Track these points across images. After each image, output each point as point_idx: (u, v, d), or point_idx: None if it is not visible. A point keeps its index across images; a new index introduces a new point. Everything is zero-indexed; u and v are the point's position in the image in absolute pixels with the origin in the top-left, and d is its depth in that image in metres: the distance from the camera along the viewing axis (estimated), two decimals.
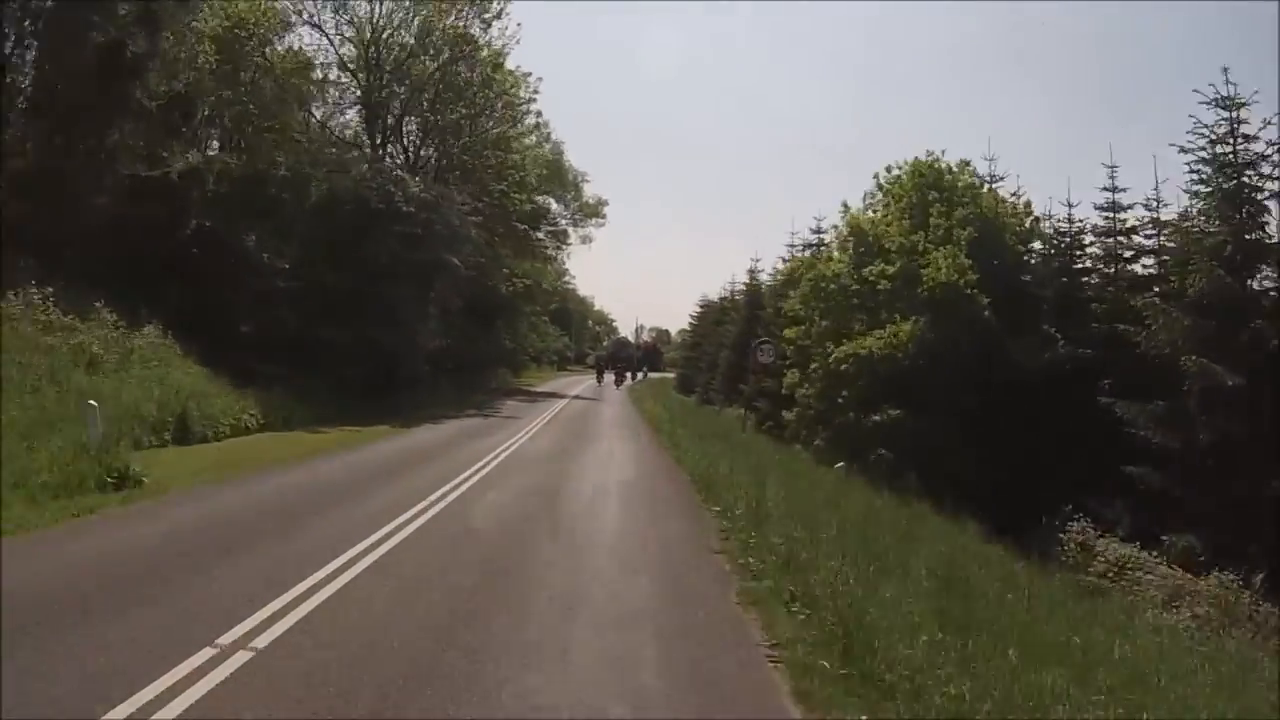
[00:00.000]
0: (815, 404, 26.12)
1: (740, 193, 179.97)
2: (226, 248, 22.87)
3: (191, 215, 21.95)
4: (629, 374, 74.36)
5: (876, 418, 21.19)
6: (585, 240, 49.14)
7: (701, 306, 61.62)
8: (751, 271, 45.17)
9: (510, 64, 37.31)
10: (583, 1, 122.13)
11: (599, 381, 61.16)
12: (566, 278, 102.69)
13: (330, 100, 35.56)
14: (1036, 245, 24.89)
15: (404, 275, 28.37)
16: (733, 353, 39.62)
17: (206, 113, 27.40)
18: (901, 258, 23.50)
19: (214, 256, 22.19)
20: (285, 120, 31.55)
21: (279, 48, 32.50)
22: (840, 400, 23.58)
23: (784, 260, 40.18)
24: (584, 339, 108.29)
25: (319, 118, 35.79)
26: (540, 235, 45.56)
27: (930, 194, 24.42)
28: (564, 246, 48.61)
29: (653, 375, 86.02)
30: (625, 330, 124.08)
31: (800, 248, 39.11)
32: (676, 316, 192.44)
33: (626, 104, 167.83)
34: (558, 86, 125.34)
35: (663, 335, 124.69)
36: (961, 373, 20.09)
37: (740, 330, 39.67)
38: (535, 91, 38.44)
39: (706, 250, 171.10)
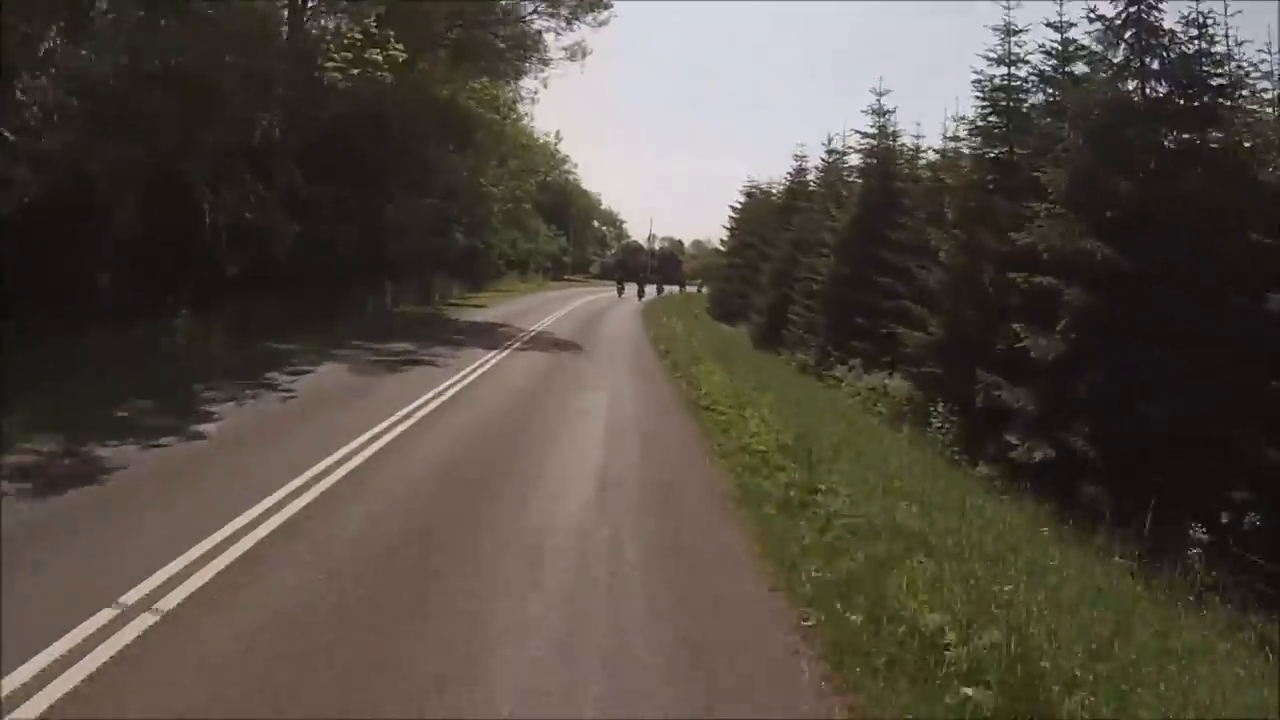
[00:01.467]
0: None
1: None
2: None
3: None
4: (652, 287, 55.94)
5: None
6: (575, 54, 29.48)
7: (747, 194, 43.42)
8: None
9: None
10: None
11: (619, 294, 48.37)
12: (566, 166, 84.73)
13: None
14: None
15: None
16: (842, 258, 21.90)
17: None
18: None
19: None
20: None
21: None
22: None
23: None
24: (586, 241, 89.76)
25: None
26: (500, 39, 26.38)
27: None
28: (542, 64, 29.08)
29: (672, 289, 67.76)
30: (636, 235, 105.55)
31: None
32: (689, 228, 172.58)
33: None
34: None
35: (676, 245, 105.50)
36: None
37: (859, 215, 21.84)
38: None
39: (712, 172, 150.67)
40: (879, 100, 22.60)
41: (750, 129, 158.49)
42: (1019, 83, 15.94)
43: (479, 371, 14.25)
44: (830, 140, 32.76)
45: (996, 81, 16.01)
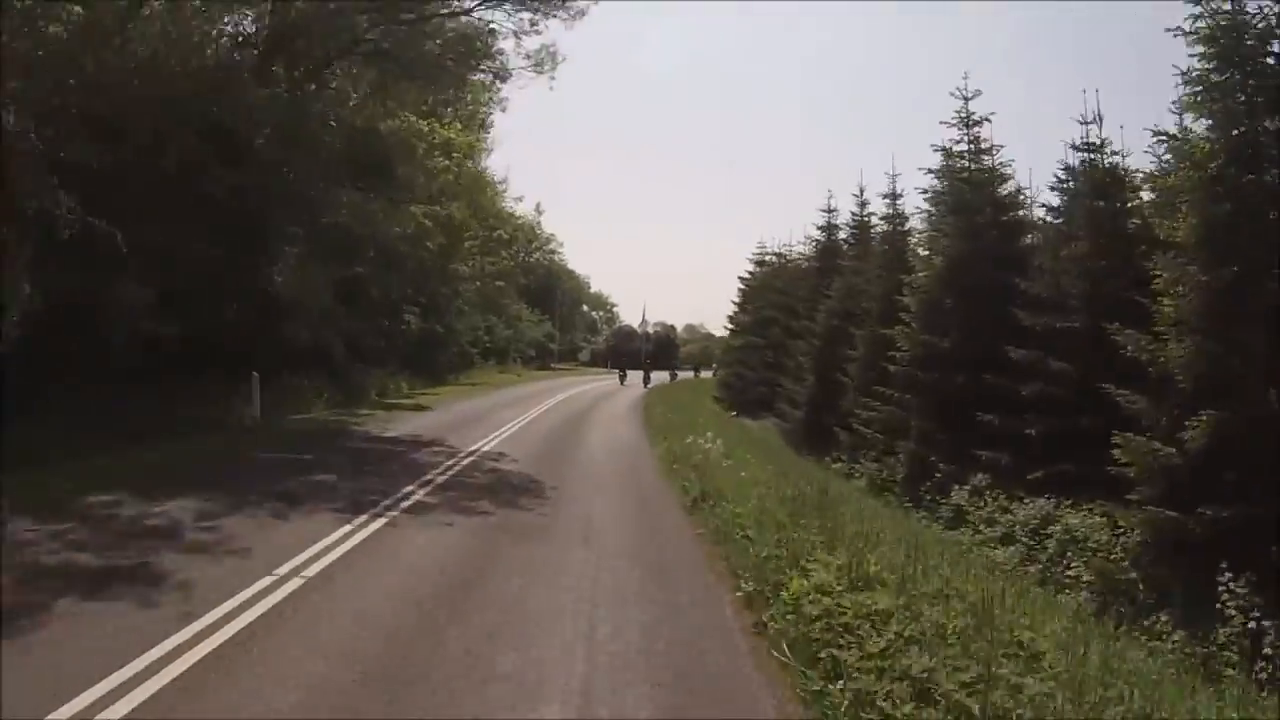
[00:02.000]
0: None
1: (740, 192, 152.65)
2: None
3: None
4: (662, 373, 54.61)
5: None
6: (542, 62, 22.05)
7: (758, 263, 36.84)
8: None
9: None
10: None
11: (621, 382, 44.15)
12: (551, 245, 79.01)
13: None
14: None
15: None
16: (934, 325, 14.89)
17: None
18: None
19: None
20: None
21: None
22: None
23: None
24: (574, 327, 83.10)
25: None
26: (439, 48, 19.33)
27: None
28: (496, 77, 22.02)
29: (685, 374, 60.88)
30: (628, 320, 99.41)
31: None
32: (680, 311, 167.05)
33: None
34: None
35: (668, 330, 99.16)
36: None
37: (957, 259, 14.97)
38: None
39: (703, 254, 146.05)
40: (966, 105, 15.97)
41: (741, 206, 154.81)
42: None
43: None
44: (862, 191, 26.31)
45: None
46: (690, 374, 61.99)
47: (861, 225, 26.19)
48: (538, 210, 69.04)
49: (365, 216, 21.36)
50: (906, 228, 21.53)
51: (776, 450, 19.12)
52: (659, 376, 56.29)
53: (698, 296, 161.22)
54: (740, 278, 38.71)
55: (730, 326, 43.08)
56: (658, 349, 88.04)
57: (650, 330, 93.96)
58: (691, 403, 29.02)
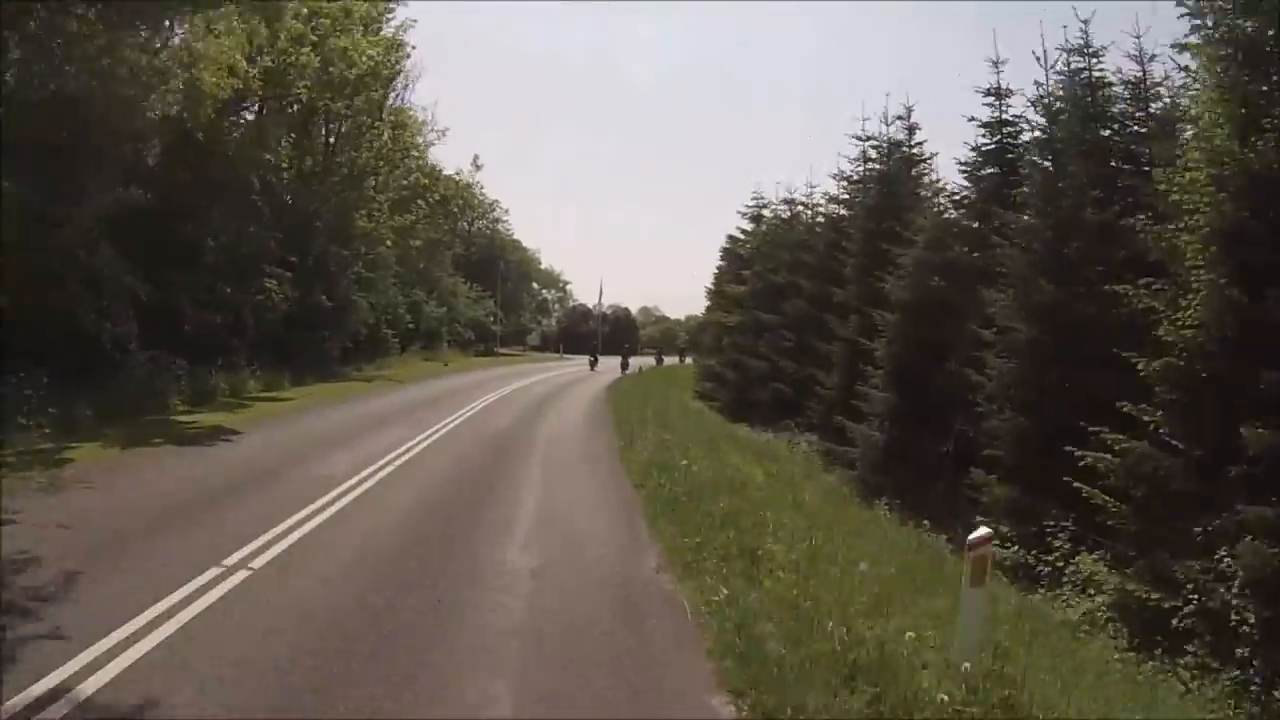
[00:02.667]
0: None
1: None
2: None
3: None
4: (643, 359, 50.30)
5: None
6: None
7: (753, 218, 28.12)
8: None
9: None
10: None
11: (592, 368, 41.02)
12: (495, 213, 68.81)
13: None
14: None
15: None
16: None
17: None
18: None
19: None
20: None
21: None
22: None
23: None
24: (521, 306, 73.18)
25: None
26: None
27: None
28: None
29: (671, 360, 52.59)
30: (583, 299, 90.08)
31: None
32: (633, 295, 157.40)
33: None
34: None
35: (622, 311, 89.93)
36: None
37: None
38: None
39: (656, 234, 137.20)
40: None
41: (699, 186, 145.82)
42: None
43: None
44: (909, 112, 17.85)
45: None
46: (651, 361, 53.22)
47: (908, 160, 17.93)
48: (475, 166, 58.77)
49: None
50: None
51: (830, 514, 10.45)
52: (655, 361, 48.26)
53: (651, 280, 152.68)
54: (731, 238, 30.04)
55: (716, 301, 34.41)
56: (615, 331, 79.15)
57: (606, 311, 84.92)
58: (678, 412, 20.28)
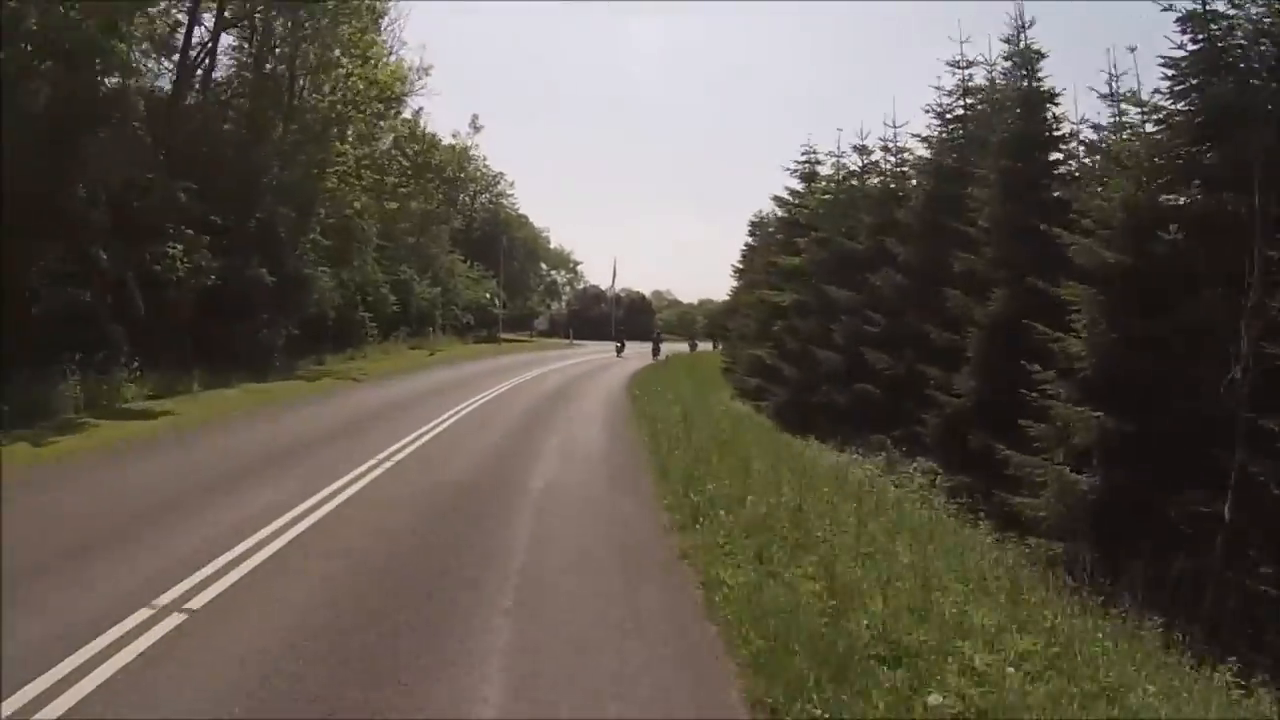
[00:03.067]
0: None
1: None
2: None
3: None
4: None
5: None
6: None
7: (806, 178, 22.52)
8: None
9: None
10: None
11: (618, 354, 40.56)
12: (499, 185, 62.67)
13: None
14: None
15: None
16: None
17: None
18: None
19: None
20: None
21: None
22: None
23: None
24: (528, 287, 67.41)
25: None
26: None
27: None
28: None
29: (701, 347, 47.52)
30: (596, 275, 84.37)
31: None
32: (645, 280, 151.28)
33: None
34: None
35: (636, 296, 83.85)
36: None
37: None
38: None
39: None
40: None
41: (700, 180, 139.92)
42: None
43: None
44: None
45: None
46: (682, 347, 47.99)
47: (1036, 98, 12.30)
48: (473, 127, 52.53)
49: None
50: None
51: None
52: (634, 349, 42.91)
53: (662, 266, 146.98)
54: (778, 199, 24.34)
55: (749, 279, 28.76)
56: (630, 316, 73.53)
57: (620, 294, 79.06)
58: (729, 424, 14.81)
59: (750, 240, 38.40)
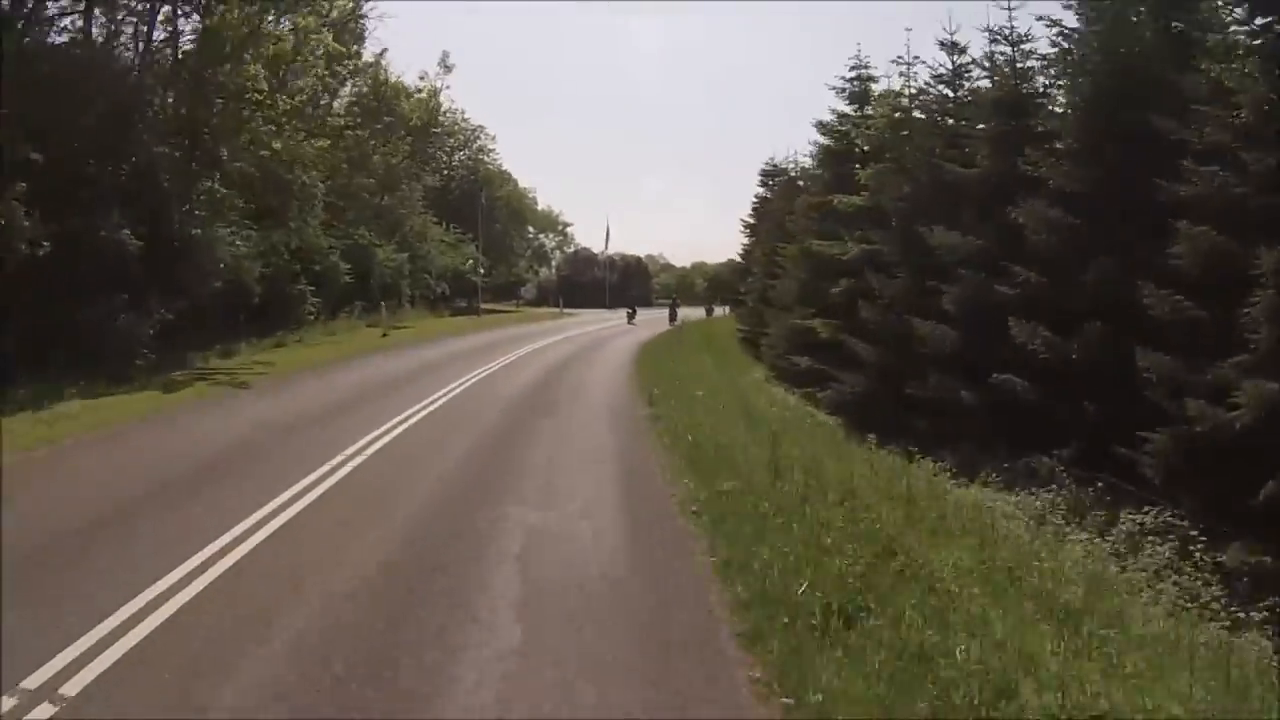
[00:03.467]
0: None
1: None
2: None
3: None
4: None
5: None
6: None
7: (857, 101, 17.13)
8: None
9: None
10: None
11: (629, 321, 38.50)
12: (479, 139, 56.22)
13: None
14: None
15: None
16: None
17: None
18: None
19: None
20: None
21: None
22: None
23: None
24: (512, 252, 61.29)
25: None
26: None
27: None
28: None
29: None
30: (587, 241, 78.47)
31: None
32: (638, 244, 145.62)
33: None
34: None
35: (631, 260, 77.69)
36: None
37: None
38: None
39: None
40: None
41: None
42: None
43: None
44: None
45: None
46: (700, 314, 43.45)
47: None
48: (443, 66, 44.99)
49: None
50: None
51: None
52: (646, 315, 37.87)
53: (654, 230, 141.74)
54: (821, 125, 18.80)
55: (772, 230, 23.34)
56: (624, 280, 67.94)
57: (615, 258, 73.01)
58: (790, 431, 9.69)
59: (762, 190, 33.14)
